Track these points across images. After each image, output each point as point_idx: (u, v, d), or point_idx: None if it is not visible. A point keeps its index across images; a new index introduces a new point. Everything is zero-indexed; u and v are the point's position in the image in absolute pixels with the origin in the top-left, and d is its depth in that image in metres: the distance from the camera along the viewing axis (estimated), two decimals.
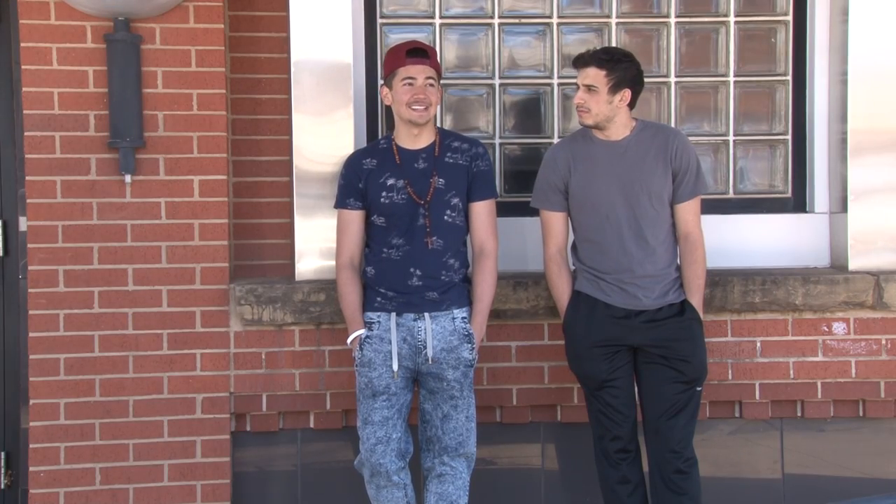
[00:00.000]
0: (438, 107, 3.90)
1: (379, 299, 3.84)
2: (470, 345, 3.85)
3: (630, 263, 3.86)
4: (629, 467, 3.95)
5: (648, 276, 3.87)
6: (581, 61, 3.85)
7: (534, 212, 4.44)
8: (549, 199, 3.97)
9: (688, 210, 3.91)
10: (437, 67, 3.83)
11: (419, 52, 3.79)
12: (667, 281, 3.90)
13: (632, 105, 3.88)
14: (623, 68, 3.81)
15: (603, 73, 3.79)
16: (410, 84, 3.79)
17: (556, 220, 3.98)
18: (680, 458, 3.88)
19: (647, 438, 3.95)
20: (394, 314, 3.81)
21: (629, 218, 3.85)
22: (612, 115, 3.84)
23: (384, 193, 3.83)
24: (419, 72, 3.78)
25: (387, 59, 3.88)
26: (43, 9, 4.12)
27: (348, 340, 3.86)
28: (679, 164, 3.88)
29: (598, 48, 3.93)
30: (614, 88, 3.80)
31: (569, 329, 3.96)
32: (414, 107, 3.79)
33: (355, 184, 3.88)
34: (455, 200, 3.87)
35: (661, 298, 3.88)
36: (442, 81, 4.08)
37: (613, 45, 4.54)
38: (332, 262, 4.12)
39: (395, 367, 3.78)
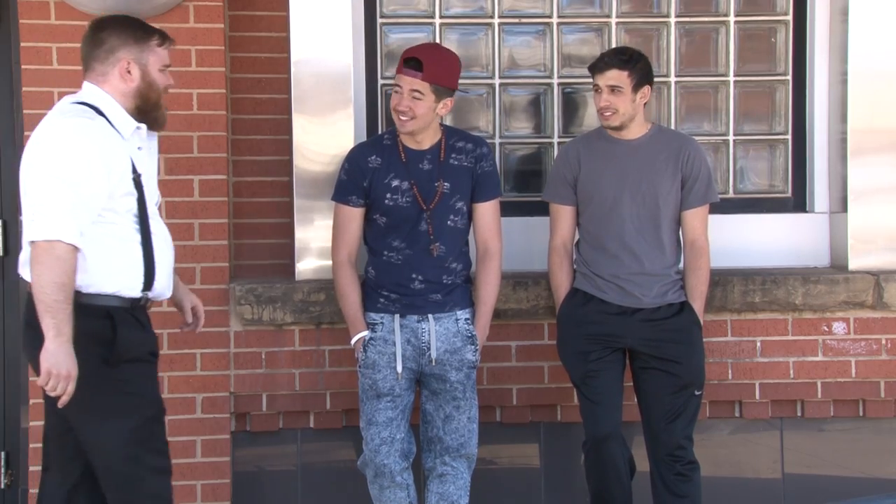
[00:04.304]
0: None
1: (382, 300, 3.84)
2: (473, 346, 3.85)
3: (628, 260, 3.88)
4: (613, 459, 3.93)
5: (646, 275, 3.88)
6: (601, 64, 3.87)
7: (534, 211, 4.45)
8: (559, 192, 4.01)
9: (695, 217, 3.94)
10: (434, 79, 3.73)
11: (412, 63, 3.74)
12: (666, 281, 3.91)
13: (646, 103, 3.93)
14: (641, 67, 3.87)
15: (625, 73, 3.83)
16: (397, 92, 3.77)
17: (564, 214, 4.01)
18: (680, 461, 3.89)
19: (647, 444, 3.96)
20: (397, 316, 3.81)
21: (633, 215, 3.87)
22: (635, 114, 3.89)
23: (389, 195, 3.82)
24: (406, 83, 3.73)
25: None
26: (43, 8, 4.11)
27: (351, 342, 3.86)
28: (689, 170, 3.90)
29: (609, 51, 3.98)
30: (636, 87, 3.85)
31: (562, 318, 3.99)
32: (397, 117, 3.78)
33: (360, 182, 3.85)
34: (459, 204, 3.87)
35: (660, 297, 3.90)
36: None
37: (613, 45, 4.54)
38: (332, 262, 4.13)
39: (399, 368, 3.77)
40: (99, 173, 3.10)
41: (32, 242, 3.01)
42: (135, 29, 3.27)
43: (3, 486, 4.49)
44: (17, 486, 4.49)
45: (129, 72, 3.23)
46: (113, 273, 3.17)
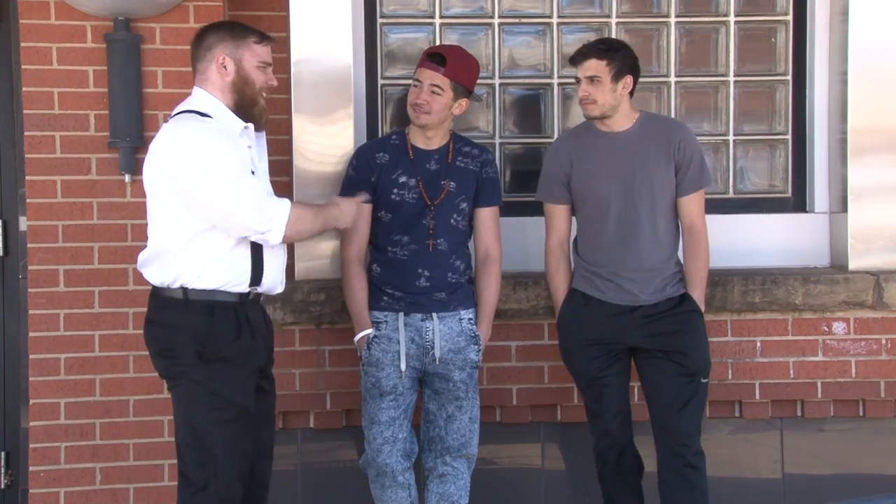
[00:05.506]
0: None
1: (386, 298, 3.85)
2: (476, 346, 3.87)
3: (627, 256, 3.87)
4: (623, 464, 3.95)
5: (646, 270, 3.87)
6: (580, 56, 3.88)
7: (534, 211, 4.44)
8: (552, 192, 3.99)
9: (691, 203, 3.93)
10: (455, 76, 3.82)
11: (436, 58, 3.83)
12: (665, 275, 3.90)
13: (631, 93, 3.91)
14: (622, 56, 3.85)
15: (604, 62, 3.82)
16: (416, 86, 3.83)
17: (558, 213, 4.00)
18: (689, 451, 3.87)
19: (655, 435, 3.94)
20: (402, 314, 3.82)
21: (629, 210, 3.87)
22: (617, 104, 3.87)
23: (395, 190, 3.85)
24: (427, 77, 3.81)
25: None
26: (43, 9, 4.11)
27: (355, 339, 3.86)
28: (682, 157, 3.89)
29: (589, 42, 3.97)
30: (616, 77, 3.83)
31: (562, 324, 3.98)
32: (414, 110, 3.82)
33: (368, 177, 3.88)
34: (463, 205, 3.90)
35: (658, 293, 3.89)
36: None
37: None
38: (332, 262, 4.13)
39: (404, 367, 3.78)
40: (239, 154, 3.29)
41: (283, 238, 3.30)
42: (233, 28, 3.45)
43: (3, 486, 4.49)
44: (17, 486, 4.49)
45: (224, 66, 3.37)
46: (219, 269, 3.28)
